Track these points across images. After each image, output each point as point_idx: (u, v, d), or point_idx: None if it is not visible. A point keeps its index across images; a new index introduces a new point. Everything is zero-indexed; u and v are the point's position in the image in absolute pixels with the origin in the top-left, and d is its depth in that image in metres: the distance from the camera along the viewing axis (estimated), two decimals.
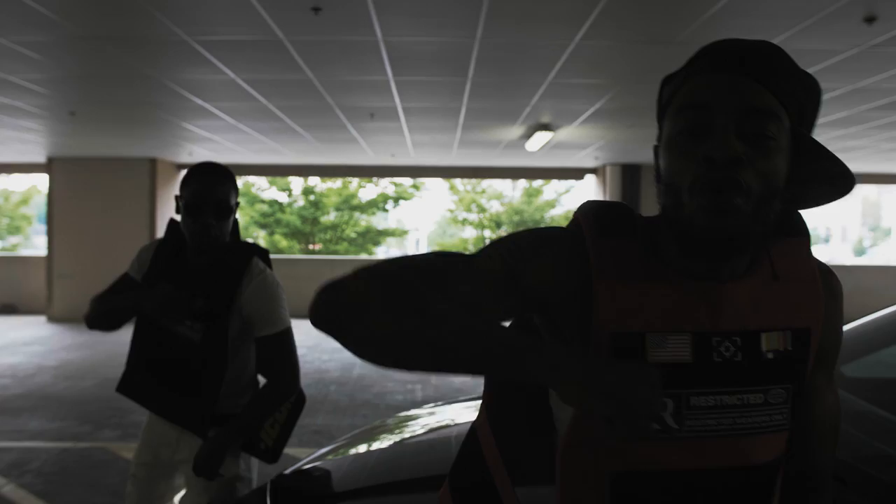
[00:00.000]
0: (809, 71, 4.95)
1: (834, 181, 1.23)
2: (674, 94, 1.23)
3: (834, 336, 1.32)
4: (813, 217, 61.00)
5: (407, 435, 3.01)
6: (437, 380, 9.70)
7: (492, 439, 1.44)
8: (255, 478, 2.91)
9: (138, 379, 2.86)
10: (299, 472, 2.70)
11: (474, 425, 1.52)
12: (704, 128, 1.15)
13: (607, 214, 1.28)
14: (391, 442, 2.91)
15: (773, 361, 1.21)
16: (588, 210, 1.29)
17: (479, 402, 3.39)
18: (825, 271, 1.31)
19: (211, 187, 2.62)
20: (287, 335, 2.72)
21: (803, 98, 1.21)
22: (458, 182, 24.90)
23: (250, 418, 2.70)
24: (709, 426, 1.18)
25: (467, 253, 1.25)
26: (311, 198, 23.74)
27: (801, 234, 1.30)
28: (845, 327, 2.76)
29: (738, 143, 1.12)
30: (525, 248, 1.24)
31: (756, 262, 1.24)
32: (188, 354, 2.71)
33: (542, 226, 1.27)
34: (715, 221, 1.11)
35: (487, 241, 15.98)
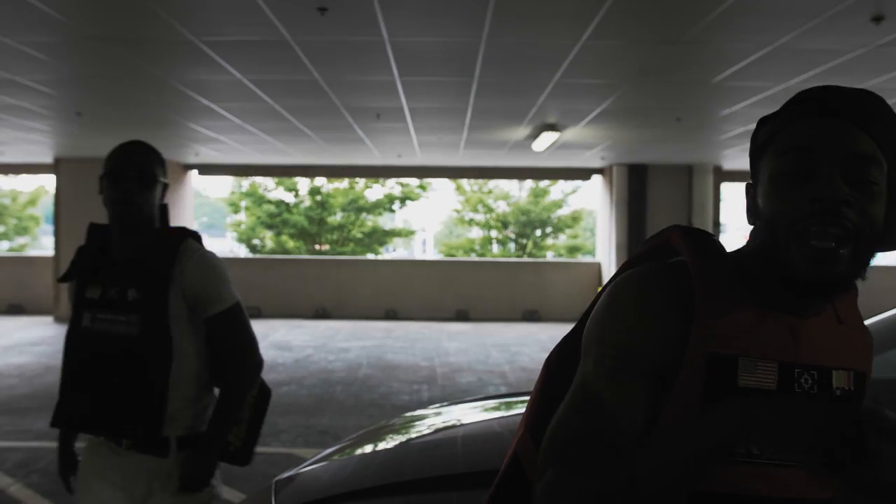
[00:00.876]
0: (816, 71, 4.96)
1: None
2: (773, 136, 1.25)
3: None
4: None
5: (413, 435, 3.01)
6: (442, 380, 9.70)
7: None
8: (221, 487, 2.69)
9: (74, 403, 2.61)
10: (304, 472, 2.70)
11: (517, 450, 1.48)
12: (808, 171, 1.17)
13: (698, 236, 1.33)
14: (397, 442, 2.91)
15: (839, 399, 1.24)
16: (685, 233, 1.34)
17: (485, 402, 3.39)
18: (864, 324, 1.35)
19: (132, 156, 2.55)
20: (237, 310, 2.60)
21: None
22: (464, 182, 24.87)
23: (228, 410, 2.56)
24: (784, 457, 1.21)
25: (597, 392, 1.25)
26: (318, 198, 23.75)
27: (853, 285, 1.29)
28: None
29: (845, 186, 1.15)
30: (631, 342, 1.25)
31: (823, 307, 1.28)
32: (128, 354, 2.47)
33: (627, 289, 1.30)
34: (817, 269, 1.15)
35: (494, 243, 15.68)
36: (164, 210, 2.67)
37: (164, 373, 2.47)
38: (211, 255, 2.63)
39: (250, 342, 2.62)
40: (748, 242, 1.30)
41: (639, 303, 1.27)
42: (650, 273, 1.30)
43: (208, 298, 2.55)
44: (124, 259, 2.57)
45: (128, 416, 2.48)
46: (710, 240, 1.32)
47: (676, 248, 1.34)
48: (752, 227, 1.28)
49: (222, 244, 38.35)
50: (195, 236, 2.68)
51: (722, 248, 1.31)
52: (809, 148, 1.18)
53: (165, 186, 2.64)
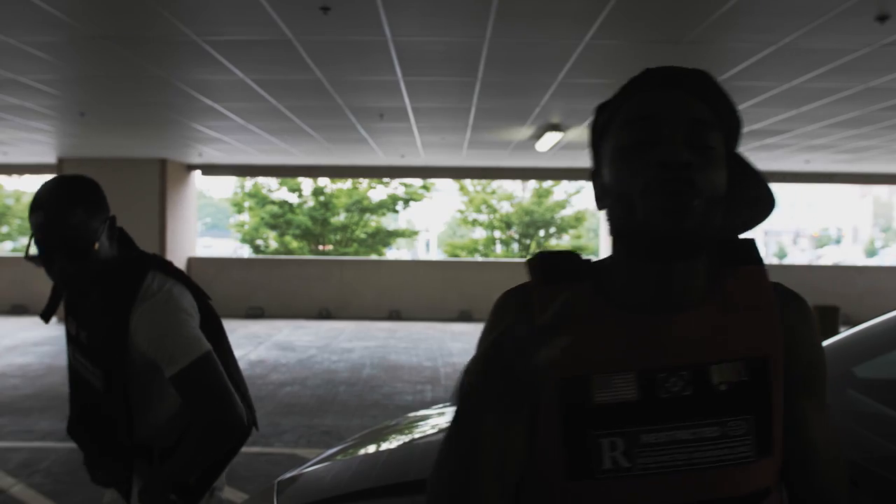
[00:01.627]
0: (821, 70, 4.97)
1: (755, 204, 1.29)
2: (614, 116, 1.28)
3: (808, 362, 1.29)
4: (823, 218, 60.76)
5: (416, 436, 3.00)
6: (446, 380, 9.70)
7: None
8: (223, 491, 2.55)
9: (76, 424, 2.59)
10: (307, 472, 2.69)
11: None
12: (653, 139, 1.20)
13: (552, 262, 1.31)
14: (400, 443, 2.90)
15: (728, 393, 1.19)
16: (533, 261, 1.32)
17: None
18: (789, 297, 1.31)
19: (52, 228, 2.15)
20: (197, 366, 2.17)
21: (732, 119, 1.28)
22: (468, 183, 24.87)
23: (183, 462, 2.25)
24: (663, 462, 1.17)
25: (461, 438, 1.15)
26: (321, 199, 23.76)
27: (755, 262, 1.30)
28: (856, 329, 2.74)
29: (687, 150, 1.18)
30: (489, 377, 1.11)
31: (707, 292, 1.25)
32: (97, 409, 2.37)
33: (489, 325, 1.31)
34: (673, 221, 1.14)
35: (497, 243, 15.79)
36: (118, 240, 2.38)
37: (125, 435, 2.29)
38: (164, 297, 2.25)
39: (216, 403, 2.20)
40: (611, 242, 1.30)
41: (490, 328, 1.31)
42: (505, 301, 1.32)
43: (161, 358, 2.19)
44: (86, 300, 2.34)
45: (98, 465, 2.45)
46: (564, 261, 1.30)
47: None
48: (606, 211, 1.27)
49: (226, 245, 38.38)
50: (160, 265, 2.36)
51: (577, 264, 1.30)
52: (653, 115, 1.21)
53: (111, 224, 2.33)
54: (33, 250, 2.22)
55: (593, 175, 1.32)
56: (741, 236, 1.32)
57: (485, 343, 1.21)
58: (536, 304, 1.25)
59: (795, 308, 1.29)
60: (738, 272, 1.28)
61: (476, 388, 1.11)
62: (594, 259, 1.34)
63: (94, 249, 2.20)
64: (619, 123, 1.25)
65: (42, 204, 2.17)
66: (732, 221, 1.28)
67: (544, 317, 1.13)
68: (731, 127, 1.27)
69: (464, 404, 1.14)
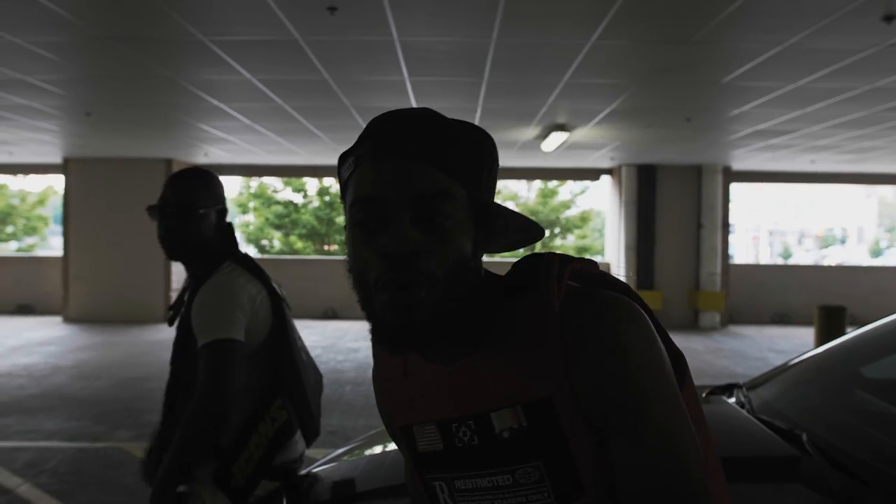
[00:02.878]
0: (827, 71, 4.93)
1: (524, 230, 1.22)
2: (349, 177, 1.15)
3: (611, 391, 1.08)
4: (827, 218, 60.71)
5: None
6: None
7: None
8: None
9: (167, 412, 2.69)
10: (315, 472, 2.69)
11: None
12: (381, 220, 1.09)
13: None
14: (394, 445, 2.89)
15: (511, 441, 1.12)
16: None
17: None
18: (580, 322, 1.11)
19: (174, 190, 2.59)
20: (212, 347, 2.36)
21: (472, 161, 1.17)
22: None
23: (175, 444, 2.34)
24: None
25: None
26: (327, 199, 23.77)
27: (540, 290, 1.16)
28: (863, 329, 2.73)
29: (415, 232, 1.08)
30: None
31: (485, 333, 1.18)
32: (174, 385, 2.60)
33: None
34: (403, 318, 1.08)
35: None
36: (223, 231, 2.64)
37: (170, 407, 2.57)
38: (228, 280, 2.51)
39: (211, 388, 2.33)
40: None
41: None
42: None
43: (196, 330, 2.42)
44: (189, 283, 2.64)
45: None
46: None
47: None
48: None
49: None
50: (241, 259, 2.62)
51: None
52: (372, 198, 1.10)
53: (220, 212, 2.64)
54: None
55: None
56: (526, 257, 1.24)
57: None
58: (376, 362, 1.39)
59: (585, 333, 1.10)
60: (519, 305, 1.17)
61: None
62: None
63: (197, 215, 2.55)
64: (349, 199, 1.15)
65: (177, 174, 2.66)
66: (503, 243, 1.25)
67: (374, 376, 1.39)
68: (473, 173, 1.16)
69: None
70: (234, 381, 2.36)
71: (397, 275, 1.07)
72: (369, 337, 1.18)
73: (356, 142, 1.17)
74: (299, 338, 2.75)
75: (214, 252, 2.59)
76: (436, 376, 1.21)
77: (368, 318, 1.15)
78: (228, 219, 2.70)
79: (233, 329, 2.40)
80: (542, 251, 1.25)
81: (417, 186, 1.09)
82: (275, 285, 2.65)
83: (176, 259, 2.61)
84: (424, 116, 1.16)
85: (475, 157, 1.18)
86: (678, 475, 1.05)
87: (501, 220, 1.19)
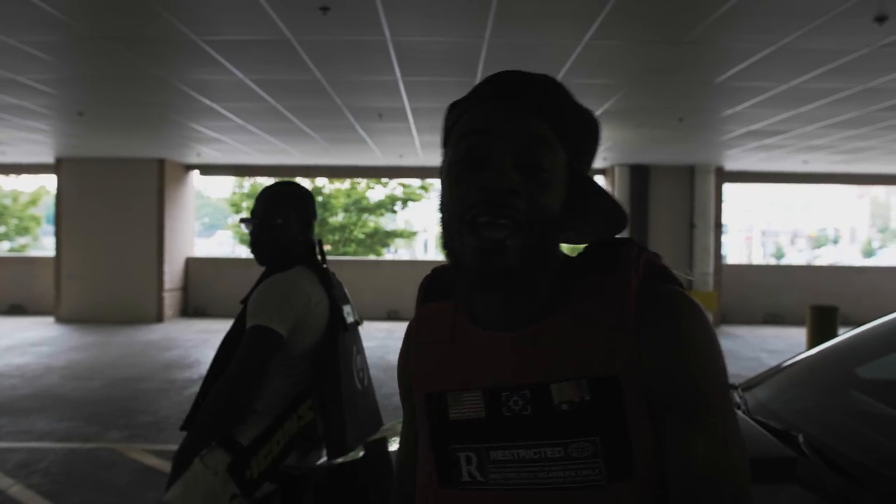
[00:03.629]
0: (819, 71, 4.96)
1: (608, 216, 1.23)
2: (456, 122, 1.22)
3: (680, 379, 1.12)
4: (820, 218, 60.85)
5: None
6: None
7: None
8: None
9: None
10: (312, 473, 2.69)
11: None
12: (481, 158, 1.14)
13: (436, 279, 1.37)
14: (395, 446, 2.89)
15: (570, 413, 1.13)
16: (424, 279, 1.39)
17: None
18: (659, 306, 1.16)
19: (258, 201, 2.85)
20: (250, 334, 2.60)
21: (580, 133, 1.21)
22: None
23: (199, 418, 2.65)
24: (511, 479, 1.15)
25: None
26: (320, 199, 23.74)
27: (615, 269, 1.19)
28: (859, 329, 2.73)
29: (515, 174, 1.12)
30: (398, 375, 1.43)
31: (555, 306, 1.19)
32: None
33: None
34: (484, 261, 1.11)
35: None
36: (305, 243, 2.89)
37: (210, 381, 2.77)
38: (280, 278, 2.75)
39: (237, 370, 2.58)
40: None
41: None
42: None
43: (247, 314, 2.69)
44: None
45: None
46: (441, 279, 1.36)
47: None
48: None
49: (224, 245, 38.32)
50: (313, 264, 2.86)
51: (448, 280, 1.33)
52: (482, 133, 1.15)
53: (304, 224, 2.88)
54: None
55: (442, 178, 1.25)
56: (612, 239, 1.25)
57: None
58: (414, 324, 1.36)
59: (663, 320, 1.14)
60: (595, 281, 1.19)
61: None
62: None
63: (275, 225, 2.79)
64: (455, 134, 1.20)
65: (269, 185, 2.92)
66: (583, 231, 1.25)
67: (410, 335, 1.36)
68: (577, 144, 1.20)
69: None
70: (260, 368, 2.58)
71: (491, 210, 1.10)
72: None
73: (473, 89, 1.23)
74: (361, 368, 2.90)
75: (293, 259, 2.83)
76: (491, 343, 1.20)
77: (450, 257, 1.18)
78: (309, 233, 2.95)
79: (276, 320, 2.60)
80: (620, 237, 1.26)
81: (525, 129, 1.14)
82: (348, 308, 2.89)
83: (260, 263, 2.86)
84: (548, 78, 1.21)
85: (584, 131, 1.22)
86: (730, 469, 1.11)
87: (591, 200, 1.21)
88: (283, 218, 2.80)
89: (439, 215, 1.21)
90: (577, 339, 1.15)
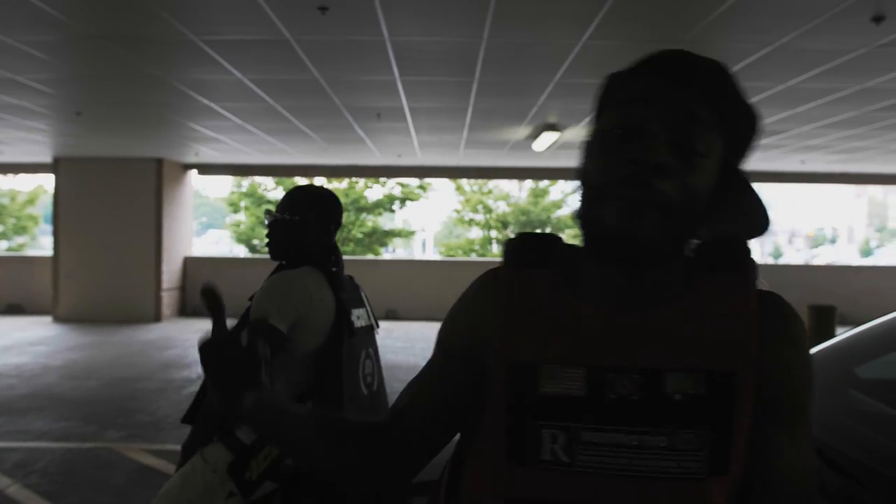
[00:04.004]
0: (817, 71, 4.94)
1: (752, 216, 1.21)
2: (616, 88, 1.21)
3: (790, 386, 1.16)
4: (817, 218, 60.89)
5: None
6: None
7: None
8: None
9: None
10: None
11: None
12: (635, 129, 1.11)
13: (528, 245, 1.30)
14: None
15: (682, 403, 1.11)
16: (509, 242, 1.31)
17: None
18: (778, 313, 1.17)
19: (282, 199, 2.91)
20: (251, 327, 2.62)
21: (742, 124, 1.18)
22: (464, 182, 24.87)
23: (202, 412, 2.71)
24: (604, 464, 1.11)
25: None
26: None
27: (742, 271, 1.19)
28: (858, 329, 2.74)
29: (666, 150, 1.08)
30: (447, 326, 1.34)
31: (679, 296, 1.17)
32: None
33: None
34: (624, 223, 1.08)
35: (494, 243, 15.90)
36: (324, 246, 2.93)
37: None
38: (285, 275, 2.78)
39: None
40: None
41: (464, 294, 1.34)
42: (482, 275, 1.32)
43: (251, 309, 2.70)
44: None
45: None
46: (539, 245, 1.30)
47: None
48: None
49: (216, 244, 38.26)
50: (322, 265, 2.87)
51: (552, 252, 1.28)
52: (638, 103, 1.12)
53: (323, 227, 2.92)
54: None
55: (583, 146, 1.23)
56: (734, 241, 1.23)
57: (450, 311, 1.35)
58: (503, 286, 1.25)
59: (783, 326, 1.16)
60: (719, 279, 1.18)
61: (437, 342, 1.33)
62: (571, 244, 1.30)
63: (294, 222, 2.84)
64: (614, 101, 1.18)
65: (297, 186, 2.98)
66: (719, 229, 1.21)
67: (494, 297, 1.25)
68: (738, 134, 1.16)
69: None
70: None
71: (636, 184, 1.08)
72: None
73: (638, 61, 1.21)
74: (371, 373, 2.91)
75: (304, 259, 2.86)
76: (601, 320, 1.16)
77: (584, 226, 1.16)
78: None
79: (276, 316, 2.61)
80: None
81: (688, 107, 1.10)
82: (361, 311, 2.90)
83: (273, 258, 2.90)
84: (717, 63, 1.16)
85: (746, 123, 1.18)
86: (812, 478, 1.19)
87: (737, 197, 1.18)
88: (301, 216, 2.84)
89: (578, 182, 1.18)
90: (698, 331, 1.14)
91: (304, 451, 1.31)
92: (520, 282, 1.24)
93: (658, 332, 1.14)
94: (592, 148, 1.17)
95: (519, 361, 1.17)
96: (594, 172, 1.14)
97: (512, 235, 1.34)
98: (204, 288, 1.22)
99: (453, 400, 1.27)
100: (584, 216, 1.15)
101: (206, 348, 1.25)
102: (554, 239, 1.30)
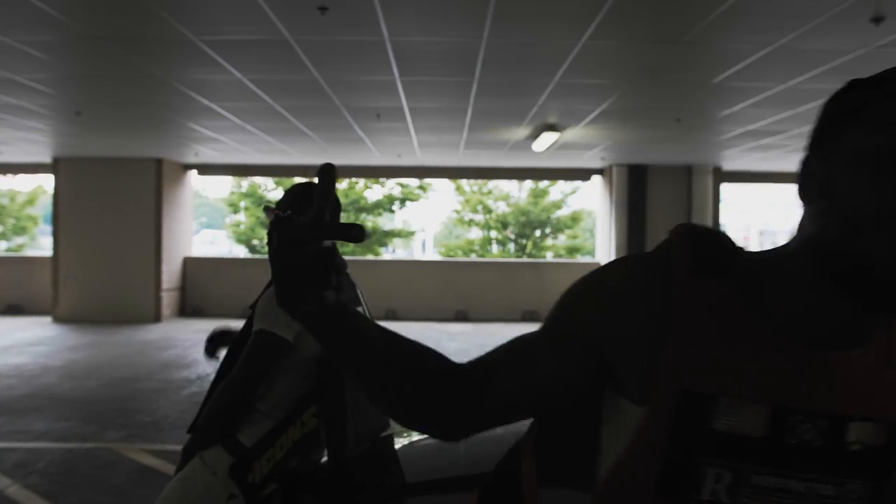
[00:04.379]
0: (816, 72, 4.92)
1: None
2: (866, 104, 1.00)
3: None
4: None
5: (415, 438, 2.99)
6: None
7: (535, 474, 1.31)
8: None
9: None
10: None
11: (518, 445, 1.36)
12: None
13: (707, 246, 1.11)
14: (398, 445, 2.89)
15: (857, 454, 1.03)
16: (685, 236, 1.12)
17: None
18: None
19: (285, 195, 2.84)
20: (257, 336, 2.57)
21: None
22: (464, 183, 24.87)
23: (203, 418, 2.64)
24: None
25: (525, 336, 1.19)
26: None
27: None
28: None
29: None
30: (576, 305, 1.15)
31: (877, 338, 1.05)
32: None
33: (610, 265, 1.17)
34: None
35: (493, 243, 15.78)
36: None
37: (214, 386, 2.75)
38: None
39: (241, 373, 2.57)
40: (794, 238, 1.07)
41: (606, 278, 1.14)
42: (634, 258, 1.14)
43: (254, 316, 2.65)
44: None
45: None
46: (721, 250, 1.11)
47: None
48: (807, 209, 1.04)
49: (217, 244, 38.22)
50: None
51: (733, 256, 1.10)
52: None
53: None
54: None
55: (807, 160, 1.06)
56: None
57: (581, 298, 1.16)
58: (673, 291, 1.07)
59: None
60: None
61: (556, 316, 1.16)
62: (746, 251, 1.12)
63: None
64: (879, 119, 0.97)
65: (301, 182, 2.88)
66: None
67: (667, 306, 1.06)
68: None
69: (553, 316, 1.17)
70: (263, 372, 2.56)
71: None
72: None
73: (885, 74, 1.03)
74: None
75: None
76: (800, 358, 1.03)
77: (831, 251, 0.98)
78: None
79: (282, 326, 2.55)
80: None
81: None
82: (360, 310, 2.79)
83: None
84: None
85: None
86: None
87: None
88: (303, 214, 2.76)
89: (813, 198, 1.02)
90: (889, 377, 1.05)
91: (366, 369, 1.15)
92: (696, 291, 1.07)
93: (850, 375, 1.03)
94: (855, 167, 0.97)
95: (695, 391, 1.03)
96: (858, 198, 0.95)
97: (680, 226, 1.15)
98: (325, 166, 1.09)
99: (552, 383, 1.14)
100: (833, 246, 0.97)
101: (293, 231, 1.04)
102: (735, 247, 1.12)
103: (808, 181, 1.04)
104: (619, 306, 1.09)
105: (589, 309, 1.12)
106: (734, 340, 1.04)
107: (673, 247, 1.11)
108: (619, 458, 1.10)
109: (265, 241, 2.79)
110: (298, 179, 23.36)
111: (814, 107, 8.74)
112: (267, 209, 2.80)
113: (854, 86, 1.05)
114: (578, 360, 1.12)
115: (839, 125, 1.02)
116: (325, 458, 2.75)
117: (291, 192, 2.84)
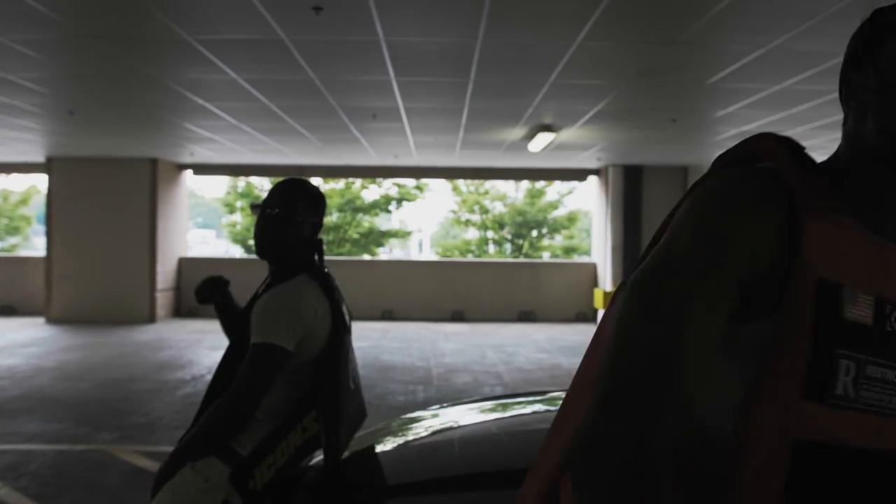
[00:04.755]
0: (811, 73, 4.94)
1: None
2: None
3: None
4: None
5: (410, 438, 2.98)
6: (438, 381, 9.68)
7: None
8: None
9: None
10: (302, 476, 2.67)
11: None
12: None
13: (793, 144, 1.19)
14: (394, 445, 2.88)
15: None
16: (773, 138, 1.20)
17: (482, 403, 3.36)
18: None
19: (277, 194, 2.77)
20: (258, 349, 2.50)
21: None
22: (460, 183, 24.90)
23: (196, 428, 2.54)
24: (884, 402, 1.06)
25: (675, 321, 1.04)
26: None
27: None
28: None
29: None
30: (710, 254, 1.08)
31: None
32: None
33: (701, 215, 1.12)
34: None
35: (490, 243, 15.75)
36: (312, 245, 2.79)
37: (211, 396, 2.66)
38: (284, 289, 2.64)
39: (243, 386, 2.48)
40: (839, 150, 1.18)
41: (728, 204, 1.10)
42: (742, 173, 1.14)
43: (251, 326, 2.57)
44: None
45: None
46: (804, 150, 1.19)
47: (765, 158, 1.17)
48: (852, 110, 1.15)
49: (210, 244, 38.20)
50: (317, 273, 2.75)
51: (815, 160, 1.19)
52: None
53: (314, 226, 2.77)
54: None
55: (845, 76, 1.19)
56: None
57: (705, 223, 1.11)
58: (796, 190, 1.10)
59: None
60: None
61: (680, 272, 1.07)
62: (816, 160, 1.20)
63: (291, 222, 2.71)
64: None
65: (288, 179, 2.86)
66: None
67: (792, 204, 1.08)
68: None
69: (652, 293, 1.07)
70: (267, 386, 2.49)
71: None
72: None
73: None
74: (354, 366, 2.84)
75: (298, 261, 2.75)
76: (882, 250, 1.11)
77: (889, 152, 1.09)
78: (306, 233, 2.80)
79: (284, 337, 2.51)
80: None
81: None
82: (344, 308, 2.78)
83: (262, 257, 2.78)
84: None
85: None
86: None
87: None
88: (301, 216, 2.73)
89: (878, 101, 1.11)
90: None
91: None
92: (809, 185, 1.12)
93: None
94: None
95: (829, 280, 1.06)
96: None
97: (764, 134, 1.21)
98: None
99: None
100: (888, 144, 1.09)
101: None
102: (804, 147, 1.21)
103: (853, 87, 1.16)
104: (755, 219, 1.08)
105: (733, 247, 1.07)
106: (843, 233, 1.09)
107: (764, 153, 1.18)
108: (755, 379, 1.08)
109: (253, 239, 2.76)
110: None
111: (809, 108, 8.75)
112: (253, 206, 2.80)
113: (882, 11, 1.18)
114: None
115: (881, 38, 1.15)
116: (316, 459, 2.73)
117: (277, 190, 2.79)
